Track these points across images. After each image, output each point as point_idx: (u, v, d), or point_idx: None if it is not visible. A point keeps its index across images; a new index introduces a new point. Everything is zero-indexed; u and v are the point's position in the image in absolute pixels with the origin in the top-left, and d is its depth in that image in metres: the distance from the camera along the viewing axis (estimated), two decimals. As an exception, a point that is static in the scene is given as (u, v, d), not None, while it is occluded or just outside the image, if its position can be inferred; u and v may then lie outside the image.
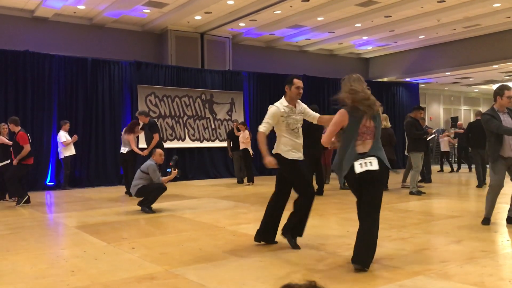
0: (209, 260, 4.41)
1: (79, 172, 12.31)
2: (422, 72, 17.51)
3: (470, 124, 11.00)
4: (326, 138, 4.20)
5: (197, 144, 14.23)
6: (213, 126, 14.48)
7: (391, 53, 18.18)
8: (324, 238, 5.24)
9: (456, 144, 16.01)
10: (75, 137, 11.30)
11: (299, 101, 4.95)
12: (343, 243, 4.98)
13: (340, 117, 4.07)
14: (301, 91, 4.85)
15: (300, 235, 4.85)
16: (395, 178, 10.48)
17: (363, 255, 3.90)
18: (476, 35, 15.28)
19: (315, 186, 9.07)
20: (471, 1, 11.98)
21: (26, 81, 11.62)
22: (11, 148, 8.71)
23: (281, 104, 4.81)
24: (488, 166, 11.02)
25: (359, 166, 3.91)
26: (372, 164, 3.91)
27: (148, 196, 7.38)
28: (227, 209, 7.85)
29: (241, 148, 11.94)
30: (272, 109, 4.80)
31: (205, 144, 14.33)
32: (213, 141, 14.47)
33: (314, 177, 9.20)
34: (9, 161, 8.77)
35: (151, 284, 3.72)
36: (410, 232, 5.48)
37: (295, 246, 4.76)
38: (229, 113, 14.85)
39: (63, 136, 11.31)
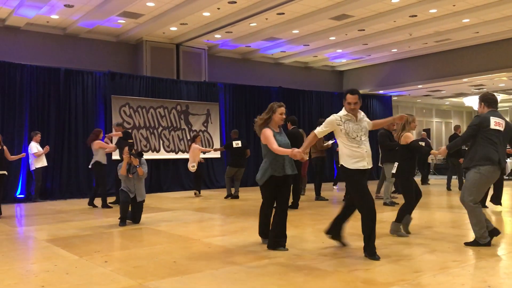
0: (183, 273, 4.36)
1: (51, 184, 12.04)
2: (395, 84, 17.83)
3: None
4: None
5: (172, 156, 14.11)
6: (188, 137, 14.38)
7: (364, 66, 18.47)
8: (300, 250, 5.24)
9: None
10: (47, 148, 11.05)
11: (360, 111, 5.00)
12: (319, 254, 5.00)
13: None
14: (353, 106, 4.87)
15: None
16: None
17: None
18: (447, 49, 15.68)
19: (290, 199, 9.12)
20: (442, 17, 12.30)
21: (-4, 91, 11.38)
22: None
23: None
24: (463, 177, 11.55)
25: None
26: None
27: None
28: (202, 221, 7.79)
29: (199, 161, 11.97)
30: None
31: (180, 155, 14.21)
32: (188, 152, 14.36)
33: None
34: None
35: (124, 299, 3.65)
36: (384, 242, 5.53)
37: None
38: (205, 124, 14.80)
39: (34, 147, 11.07)
